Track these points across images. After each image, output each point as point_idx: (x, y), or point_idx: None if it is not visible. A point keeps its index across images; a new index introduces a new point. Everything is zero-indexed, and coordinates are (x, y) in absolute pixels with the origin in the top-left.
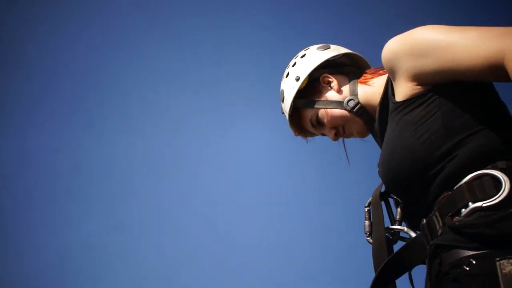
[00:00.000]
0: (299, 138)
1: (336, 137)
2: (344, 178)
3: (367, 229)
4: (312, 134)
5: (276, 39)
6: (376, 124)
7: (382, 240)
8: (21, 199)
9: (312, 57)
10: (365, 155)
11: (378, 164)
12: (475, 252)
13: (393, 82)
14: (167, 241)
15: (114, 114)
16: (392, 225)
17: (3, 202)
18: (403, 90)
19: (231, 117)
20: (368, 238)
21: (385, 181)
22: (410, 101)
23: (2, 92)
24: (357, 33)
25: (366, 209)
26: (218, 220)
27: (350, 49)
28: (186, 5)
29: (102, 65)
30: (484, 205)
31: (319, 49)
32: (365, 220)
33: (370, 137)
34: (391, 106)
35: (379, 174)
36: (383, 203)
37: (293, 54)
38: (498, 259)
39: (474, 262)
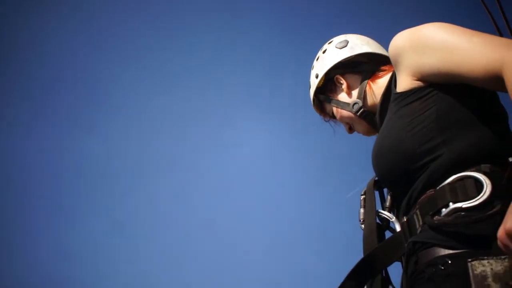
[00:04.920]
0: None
1: (350, 130)
2: (344, 177)
3: (361, 216)
4: None
5: (277, 40)
6: (377, 115)
7: (372, 226)
8: (21, 200)
9: (330, 55)
10: (366, 153)
11: (372, 151)
12: (451, 252)
13: (396, 74)
14: (167, 241)
15: (115, 116)
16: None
17: (3, 203)
18: (404, 82)
19: (231, 118)
20: (362, 225)
21: (374, 170)
22: (409, 93)
23: (3, 93)
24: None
25: (362, 197)
26: (218, 220)
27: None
28: (187, 6)
29: (102, 67)
30: (464, 206)
31: (337, 46)
32: (360, 208)
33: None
34: (392, 96)
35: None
36: (377, 192)
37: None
38: (470, 260)
39: (449, 261)
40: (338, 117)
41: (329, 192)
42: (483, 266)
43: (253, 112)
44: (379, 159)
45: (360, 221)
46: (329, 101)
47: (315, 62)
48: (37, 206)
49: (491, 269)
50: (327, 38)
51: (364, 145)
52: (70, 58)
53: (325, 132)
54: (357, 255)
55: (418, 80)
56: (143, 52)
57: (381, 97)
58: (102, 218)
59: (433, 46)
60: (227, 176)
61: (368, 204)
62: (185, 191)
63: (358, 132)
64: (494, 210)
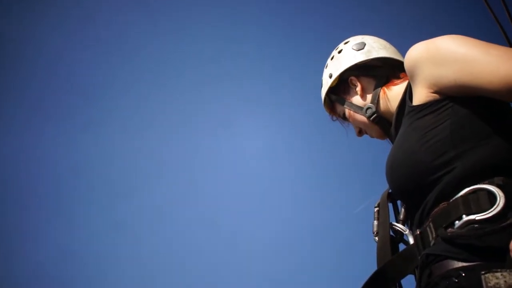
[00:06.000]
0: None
1: (360, 134)
2: (345, 178)
3: (374, 228)
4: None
5: (277, 39)
6: (392, 127)
7: (386, 239)
8: (21, 200)
9: (345, 56)
10: (370, 157)
11: (386, 164)
12: (464, 264)
13: (412, 86)
14: (166, 241)
15: (115, 114)
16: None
17: (3, 202)
18: (419, 95)
19: (229, 116)
20: (376, 238)
21: (388, 182)
22: (423, 106)
23: (2, 93)
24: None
25: (376, 209)
26: (217, 219)
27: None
28: (184, 3)
29: (99, 66)
30: (477, 218)
31: (354, 47)
32: (374, 220)
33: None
34: (406, 109)
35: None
36: (391, 204)
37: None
38: (483, 272)
39: (463, 274)
40: (351, 120)
41: (330, 195)
42: (497, 279)
43: (254, 113)
44: (393, 172)
45: (373, 233)
46: (342, 102)
47: (329, 61)
48: (36, 206)
49: (505, 281)
50: (329, 37)
51: (365, 152)
52: (67, 57)
53: (329, 136)
54: (362, 265)
55: (434, 92)
56: (141, 50)
57: (396, 109)
58: (102, 217)
59: (450, 58)
60: (227, 177)
61: (382, 216)
62: (185, 190)
63: (371, 137)
64: (508, 222)
